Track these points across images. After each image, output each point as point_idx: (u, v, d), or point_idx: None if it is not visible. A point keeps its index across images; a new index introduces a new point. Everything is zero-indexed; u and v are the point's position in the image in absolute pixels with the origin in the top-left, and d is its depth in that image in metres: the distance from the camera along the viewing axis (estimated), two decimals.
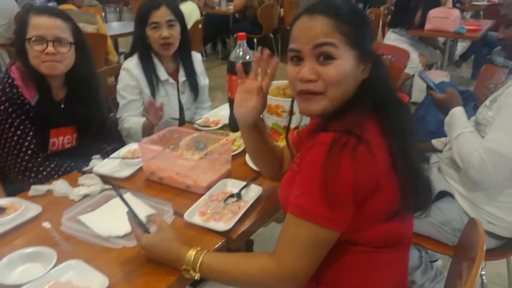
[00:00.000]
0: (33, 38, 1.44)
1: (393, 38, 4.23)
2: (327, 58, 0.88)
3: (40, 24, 1.46)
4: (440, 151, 1.75)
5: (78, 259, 0.99)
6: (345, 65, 0.88)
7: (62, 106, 1.61)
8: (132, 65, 1.94)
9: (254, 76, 1.10)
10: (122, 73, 1.96)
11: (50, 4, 3.66)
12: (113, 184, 1.18)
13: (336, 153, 0.82)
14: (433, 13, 4.02)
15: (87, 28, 3.23)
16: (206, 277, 0.97)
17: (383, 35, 4.79)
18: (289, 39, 0.95)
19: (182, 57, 2.06)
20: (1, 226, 1.12)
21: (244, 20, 6.09)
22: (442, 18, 3.99)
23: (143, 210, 1.16)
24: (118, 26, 5.60)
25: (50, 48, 1.45)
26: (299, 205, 0.87)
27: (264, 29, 5.70)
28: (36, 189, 1.30)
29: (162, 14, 1.89)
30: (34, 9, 1.50)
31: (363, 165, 0.82)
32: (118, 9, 9.32)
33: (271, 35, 5.95)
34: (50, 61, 1.47)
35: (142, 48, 1.96)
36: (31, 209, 1.20)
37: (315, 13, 0.89)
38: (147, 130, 1.87)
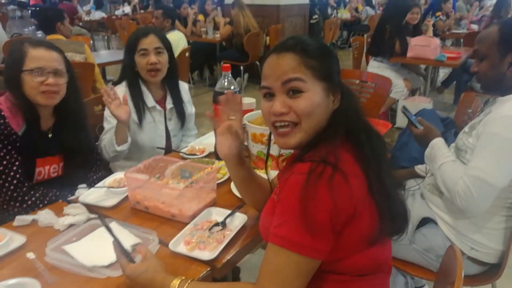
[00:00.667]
0: (34, 70, 1.48)
1: (376, 66, 4.35)
2: (296, 92, 0.94)
3: (39, 56, 1.49)
4: (423, 177, 1.79)
5: None
6: (314, 97, 0.94)
7: (50, 135, 1.63)
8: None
9: (226, 117, 1.16)
10: None
11: (38, 33, 3.70)
12: (99, 213, 1.19)
13: (313, 182, 0.85)
14: (414, 41, 4.17)
15: (75, 57, 3.27)
16: None
17: (367, 62, 4.92)
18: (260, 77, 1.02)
19: (170, 84, 2.11)
20: None
21: (230, 48, 6.20)
22: (423, 46, 4.14)
23: (128, 239, 1.16)
24: (106, 54, 5.66)
25: (51, 80, 1.49)
26: (279, 234, 0.88)
27: (250, 57, 5.81)
28: (21, 219, 1.29)
29: (150, 41, 1.95)
30: (30, 42, 1.53)
31: (339, 193, 0.85)
32: (106, 37, 9.40)
33: (257, 63, 6.06)
34: (49, 92, 1.50)
35: (131, 75, 2.01)
36: (15, 240, 1.19)
37: (283, 51, 0.96)
38: (120, 133, 1.83)
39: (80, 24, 8.81)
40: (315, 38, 1.03)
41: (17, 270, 1.09)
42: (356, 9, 10.38)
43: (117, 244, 1.02)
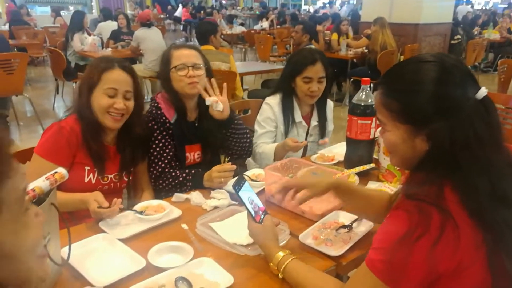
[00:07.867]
0: (178, 66, 1.77)
1: None
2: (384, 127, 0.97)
3: (181, 55, 1.80)
4: None
5: (209, 257, 1.18)
6: (392, 138, 0.93)
7: (196, 124, 1.89)
8: (274, 102, 2.15)
9: None
10: (264, 106, 2.17)
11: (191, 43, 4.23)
12: (241, 176, 1.31)
13: (421, 230, 0.80)
14: None
15: (221, 66, 3.66)
16: (286, 279, 1.08)
17: None
18: None
19: (318, 103, 2.19)
20: (154, 221, 1.38)
21: (362, 65, 6.20)
22: None
23: None
24: (242, 65, 6.11)
25: (191, 72, 1.77)
26: (371, 257, 0.88)
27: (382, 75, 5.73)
28: (178, 196, 1.56)
29: (316, 70, 2.04)
30: (174, 46, 1.87)
31: (442, 246, 0.79)
32: (244, 49, 10.14)
33: None
34: (192, 83, 1.76)
35: (287, 90, 2.14)
36: (174, 212, 1.44)
37: (378, 85, 0.96)
38: (279, 157, 2.00)
39: (222, 36, 9.68)
40: (410, 71, 0.91)
41: (174, 235, 1.32)
42: (509, 30, 9.40)
43: (247, 210, 1.18)
